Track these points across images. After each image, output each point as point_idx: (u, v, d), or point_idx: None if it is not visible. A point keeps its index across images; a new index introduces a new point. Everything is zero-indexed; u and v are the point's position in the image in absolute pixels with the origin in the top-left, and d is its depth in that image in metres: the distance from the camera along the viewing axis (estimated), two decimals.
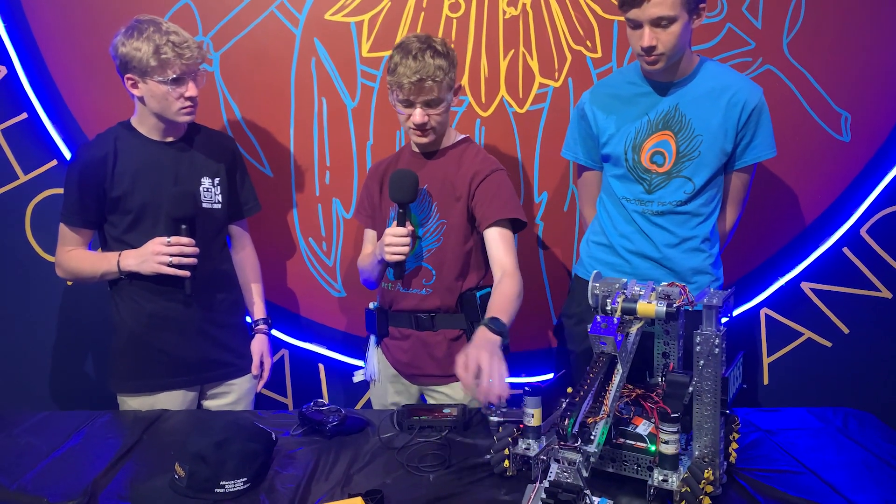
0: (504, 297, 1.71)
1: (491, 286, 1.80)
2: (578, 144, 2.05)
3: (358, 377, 2.08)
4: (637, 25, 1.75)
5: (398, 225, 1.80)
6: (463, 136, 1.97)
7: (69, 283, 2.41)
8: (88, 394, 2.49)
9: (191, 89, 1.84)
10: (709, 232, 1.91)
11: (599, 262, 2.00)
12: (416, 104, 1.79)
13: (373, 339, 2.03)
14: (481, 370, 1.42)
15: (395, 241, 1.78)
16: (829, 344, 2.47)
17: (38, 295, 2.43)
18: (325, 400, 2.49)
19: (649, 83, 1.90)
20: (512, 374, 2.48)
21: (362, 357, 2.08)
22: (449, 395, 1.93)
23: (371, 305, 2.00)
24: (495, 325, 1.59)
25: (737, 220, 2.03)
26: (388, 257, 1.80)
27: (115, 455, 1.55)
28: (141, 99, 1.86)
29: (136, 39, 1.78)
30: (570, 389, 1.50)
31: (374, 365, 2.02)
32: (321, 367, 2.51)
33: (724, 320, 1.36)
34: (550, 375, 2.43)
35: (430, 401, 1.98)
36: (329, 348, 2.48)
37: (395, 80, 1.78)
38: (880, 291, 2.43)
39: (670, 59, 1.78)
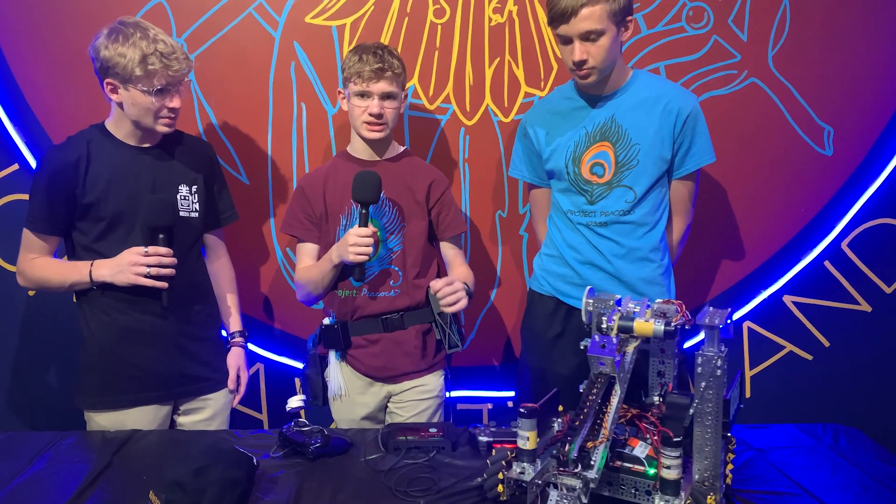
0: (465, 276, 1.98)
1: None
2: (524, 163, 2.08)
3: (294, 403, 1.95)
4: (567, 41, 1.80)
5: (361, 225, 1.81)
6: (402, 147, 2.05)
7: (31, 292, 2.29)
8: (51, 410, 2.37)
9: (175, 101, 1.77)
10: (657, 242, 1.93)
11: (551, 273, 2.02)
12: (374, 95, 1.86)
13: (333, 355, 1.98)
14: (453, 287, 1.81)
15: (360, 240, 1.80)
16: (810, 357, 2.47)
17: None
18: (301, 416, 2.43)
19: (585, 97, 1.94)
20: (491, 388, 2.45)
21: (304, 379, 2.03)
22: (421, 386, 1.98)
23: (326, 321, 1.96)
24: (468, 288, 1.89)
25: (686, 229, 2.03)
26: (353, 258, 1.80)
27: (82, 481, 1.46)
28: (119, 104, 1.77)
29: (120, 44, 1.69)
30: (560, 408, 1.46)
31: (339, 380, 1.98)
32: (297, 381, 2.43)
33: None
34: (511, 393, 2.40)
35: (397, 402, 2.00)
36: (306, 362, 2.39)
37: (354, 72, 1.87)
38: (860, 305, 2.44)
39: (602, 72, 1.82)
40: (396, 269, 1.95)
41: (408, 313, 1.95)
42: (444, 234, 2.02)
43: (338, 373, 1.98)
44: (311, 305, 2.04)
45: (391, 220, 1.95)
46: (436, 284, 1.83)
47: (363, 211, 1.82)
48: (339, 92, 1.97)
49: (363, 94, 1.86)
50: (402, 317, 1.95)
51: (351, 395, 1.98)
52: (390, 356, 1.95)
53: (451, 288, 1.81)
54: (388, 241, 1.94)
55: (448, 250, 2.05)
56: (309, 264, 1.99)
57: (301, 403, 1.92)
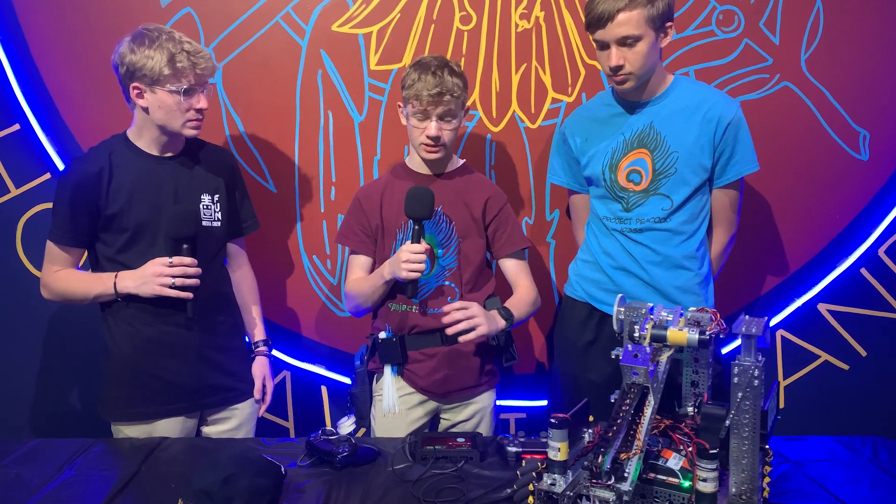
0: (520, 298, 1.96)
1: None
2: (563, 169, 2.07)
3: (347, 427, 1.92)
4: (604, 46, 1.78)
5: (413, 242, 1.79)
6: (462, 161, 2.02)
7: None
8: (80, 420, 2.40)
9: (202, 101, 1.78)
10: (693, 250, 1.89)
11: (585, 279, 2.00)
12: (432, 117, 1.83)
13: (389, 370, 1.94)
14: (466, 313, 1.78)
15: (412, 257, 1.77)
16: (846, 367, 2.41)
17: (29, 314, 2.34)
18: (327, 422, 2.43)
19: (624, 103, 1.91)
20: (521, 398, 2.42)
21: (351, 398, 1.98)
22: (475, 404, 1.96)
23: (383, 335, 1.92)
24: (504, 312, 1.89)
25: (729, 240, 1.99)
26: (406, 274, 1.77)
27: (111, 489, 1.46)
28: (145, 110, 1.77)
29: (147, 47, 1.71)
30: (591, 418, 1.44)
31: (393, 396, 1.93)
32: (324, 389, 2.43)
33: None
34: (545, 402, 2.37)
35: (445, 422, 1.97)
36: (332, 370, 2.40)
37: (412, 94, 1.82)
38: None
39: (640, 79, 1.80)
40: (452, 285, 1.92)
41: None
42: (501, 251, 1.98)
43: (392, 389, 1.93)
44: (360, 316, 2.01)
45: (447, 237, 1.92)
46: (447, 308, 1.80)
47: (416, 227, 1.79)
48: (398, 105, 1.94)
49: (421, 115, 1.84)
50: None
51: (402, 411, 1.93)
52: (449, 370, 1.91)
53: (462, 314, 1.77)
54: (443, 257, 1.92)
55: (510, 268, 2.01)
56: (360, 276, 1.96)
57: (353, 427, 1.92)
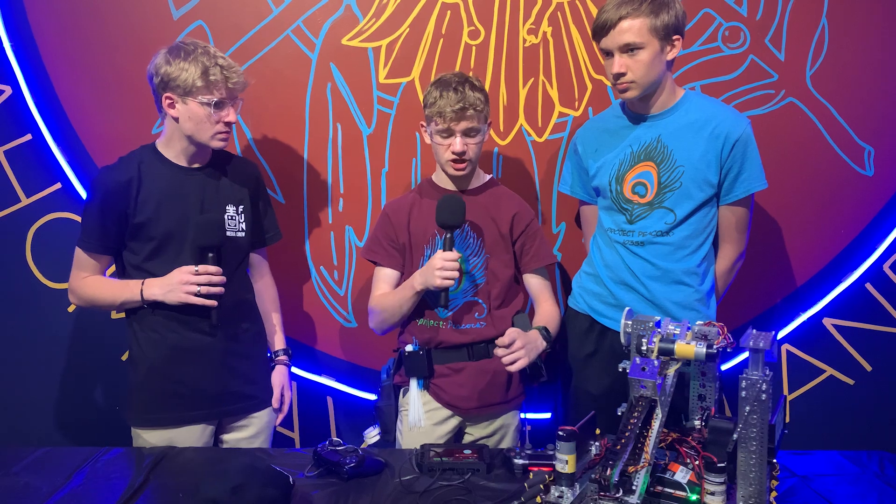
0: (553, 317, 1.95)
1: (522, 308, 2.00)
2: (575, 179, 2.08)
3: (372, 438, 1.94)
4: (609, 54, 1.80)
5: (446, 250, 1.79)
6: (488, 176, 2.03)
7: (70, 308, 2.33)
8: (90, 426, 2.41)
9: (231, 115, 1.82)
10: (695, 266, 1.88)
11: (587, 291, 2.00)
12: (457, 133, 1.84)
13: (415, 383, 1.93)
14: (515, 346, 1.73)
15: (447, 264, 1.77)
16: (851, 381, 2.41)
17: (37, 322, 2.35)
18: (333, 433, 2.43)
19: (633, 115, 1.92)
20: (526, 409, 2.42)
21: (371, 402, 1.99)
22: (499, 424, 1.95)
23: (409, 348, 1.92)
24: (545, 333, 1.86)
25: (737, 259, 1.98)
26: (440, 282, 1.77)
27: (119, 498, 1.47)
28: (176, 120, 1.81)
29: (182, 60, 1.76)
30: (598, 431, 1.44)
31: (419, 410, 1.91)
32: (329, 399, 2.43)
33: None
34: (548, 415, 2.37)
35: (469, 436, 1.96)
36: (338, 381, 2.40)
37: (435, 111, 1.84)
38: None
39: (643, 88, 1.80)
40: (480, 301, 1.92)
41: (494, 343, 1.89)
42: (528, 266, 1.98)
43: (418, 403, 1.92)
44: (384, 333, 2.00)
45: (475, 252, 1.93)
46: (500, 343, 1.75)
47: (448, 235, 1.79)
48: (421, 125, 1.95)
49: (445, 133, 1.85)
50: (488, 346, 1.91)
51: (427, 426, 1.92)
52: (475, 385, 1.90)
53: (508, 351, 1.74)
54: (472, 272, 1.92)
55: (533, 283, 2.00)
56: (386, 291, 1.95)
57: (378, 438, 1.93)
